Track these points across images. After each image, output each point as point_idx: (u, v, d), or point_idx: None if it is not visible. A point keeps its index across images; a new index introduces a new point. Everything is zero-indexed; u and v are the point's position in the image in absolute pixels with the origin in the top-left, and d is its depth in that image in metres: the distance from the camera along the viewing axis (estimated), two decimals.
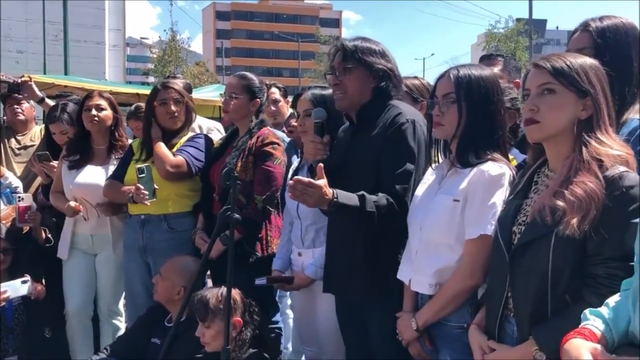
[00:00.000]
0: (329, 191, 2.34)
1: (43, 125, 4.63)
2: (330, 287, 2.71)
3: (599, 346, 1.44)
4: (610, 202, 1.66)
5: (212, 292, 2.83)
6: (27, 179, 4.37)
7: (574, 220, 1.66)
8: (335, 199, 2.33)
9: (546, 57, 1.87)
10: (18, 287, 3.35)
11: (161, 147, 3.48)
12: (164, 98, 3.54)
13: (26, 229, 3.87)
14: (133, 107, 5.16)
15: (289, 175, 3.23)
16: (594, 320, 1.52)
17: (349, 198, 2.38)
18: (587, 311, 1.56)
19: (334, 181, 2.40)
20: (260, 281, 2.94)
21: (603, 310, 1.54)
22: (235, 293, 2.82)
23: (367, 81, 2.57)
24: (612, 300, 1.56)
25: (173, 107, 3.53)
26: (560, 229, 1.69)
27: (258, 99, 3.40)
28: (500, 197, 2.06)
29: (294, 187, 2.32)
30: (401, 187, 2.42)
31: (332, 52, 2.66)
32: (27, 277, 3.41)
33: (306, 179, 2.35)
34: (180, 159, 3.46)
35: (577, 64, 1.82)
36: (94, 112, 3.75)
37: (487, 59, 3.45)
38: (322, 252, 2.85)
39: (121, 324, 3.84)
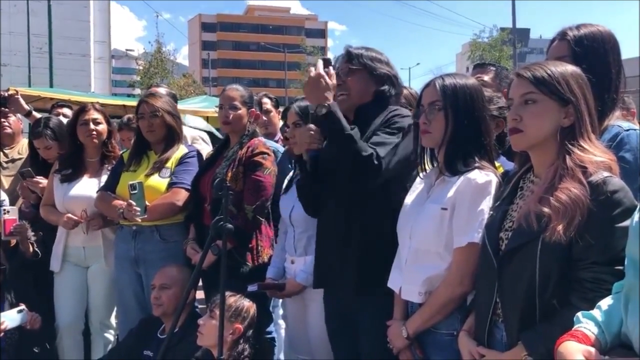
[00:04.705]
0: (330, 94, 2.42)
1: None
2: (320, 283, 2.74)
3: (592, 349, 1.47)
4: (595, 207, 1.68)
5: (237, 296, 2.91)
6: (15, 192, 4.34)
7: (560, 227, 1.68)
8: (329, 105, 2.39)
9: (528, 67, 1.90)
10: (14, 317, 3.33)
11: (159, 206, 3.47)
12: (142, 113, 3.62)
13: (13, 242, 3.85)
14: (125, 118, 5.20)
15: (284, 185, 3.27)
16: (586, 323, 1.54)
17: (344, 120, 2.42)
18: (579, 314, 1.58)
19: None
20: (252, 288, 2.97)
21: (595, 313, 1.57)
22: (251, 306, 2.92)
23: (369, 84, 2.65)
24: (604, 303, 1.58)
25: (149, 121, 3.59)
26: (546, 235, 1.71)
27: (254, 110, 3.51)
28: (487, 205, 2.09)
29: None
30: (377, 151, 2.41)
31: (337, 59, 2.73)
32: (23, 307, 3.39)
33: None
34: (181, 192, 3.50)
35: (558, 72, 1.84)
36: (92, 125, 3.77)
37: (479, 68, 3.48)
38: (313, 260, 2.87)
39: (113, 337, 3.82)
